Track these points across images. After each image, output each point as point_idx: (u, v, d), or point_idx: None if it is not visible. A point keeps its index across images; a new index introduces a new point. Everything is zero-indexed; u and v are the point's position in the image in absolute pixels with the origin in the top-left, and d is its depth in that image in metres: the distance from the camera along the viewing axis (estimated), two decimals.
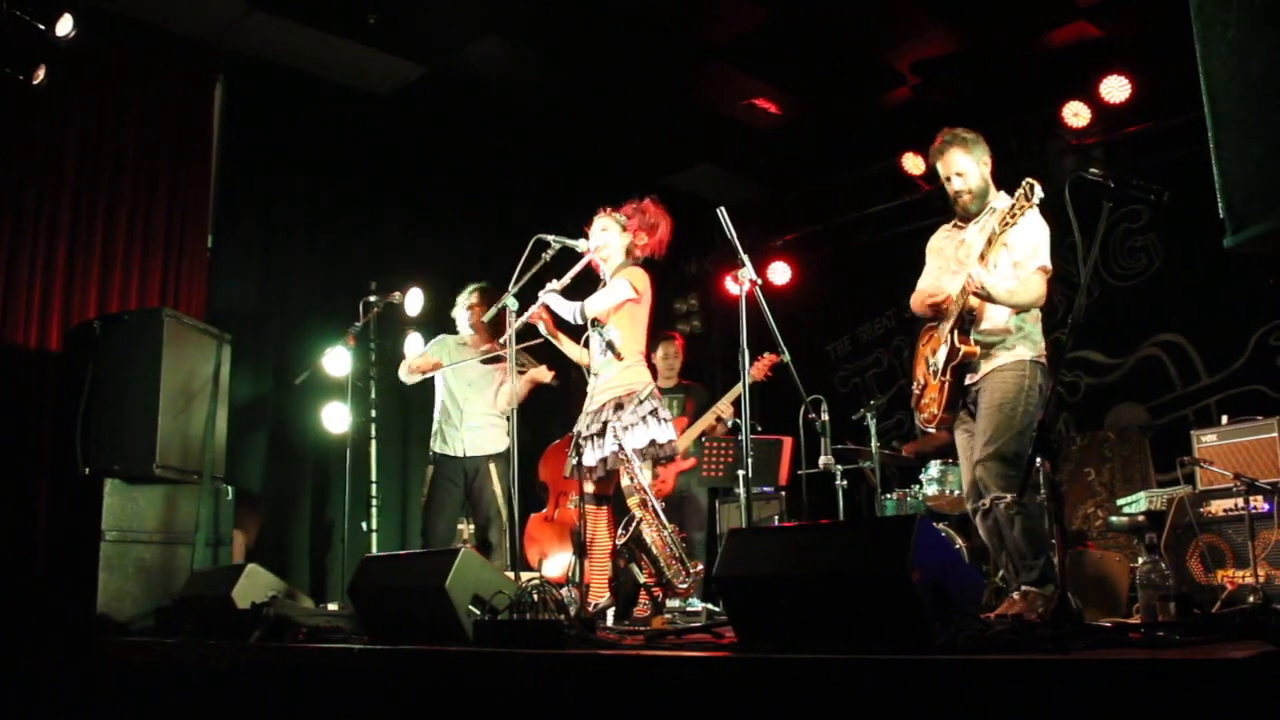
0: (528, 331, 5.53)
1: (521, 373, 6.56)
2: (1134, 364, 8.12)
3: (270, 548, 7.36)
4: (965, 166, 4.71)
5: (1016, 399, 4.43)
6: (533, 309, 5.35)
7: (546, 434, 7.68)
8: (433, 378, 6.65)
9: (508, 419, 6.52)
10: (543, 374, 6.40)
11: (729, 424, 7.23)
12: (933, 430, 4.82)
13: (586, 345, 5.49)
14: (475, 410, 6.53)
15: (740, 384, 6.88)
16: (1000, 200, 4.66)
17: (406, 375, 6.62)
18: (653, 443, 5.14)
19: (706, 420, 7.14)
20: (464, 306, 6.65)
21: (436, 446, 6.55)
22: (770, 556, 3.21)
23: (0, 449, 6.41)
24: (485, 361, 6.55)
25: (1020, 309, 4.53)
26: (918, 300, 4.88)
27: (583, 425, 5.30)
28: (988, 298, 4.44)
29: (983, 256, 4.51)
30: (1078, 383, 8.29)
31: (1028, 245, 4.55)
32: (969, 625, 2.90)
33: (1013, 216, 4.37)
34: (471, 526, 6.83)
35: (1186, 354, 7.87)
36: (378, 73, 8.03)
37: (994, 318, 4.58)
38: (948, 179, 4.77)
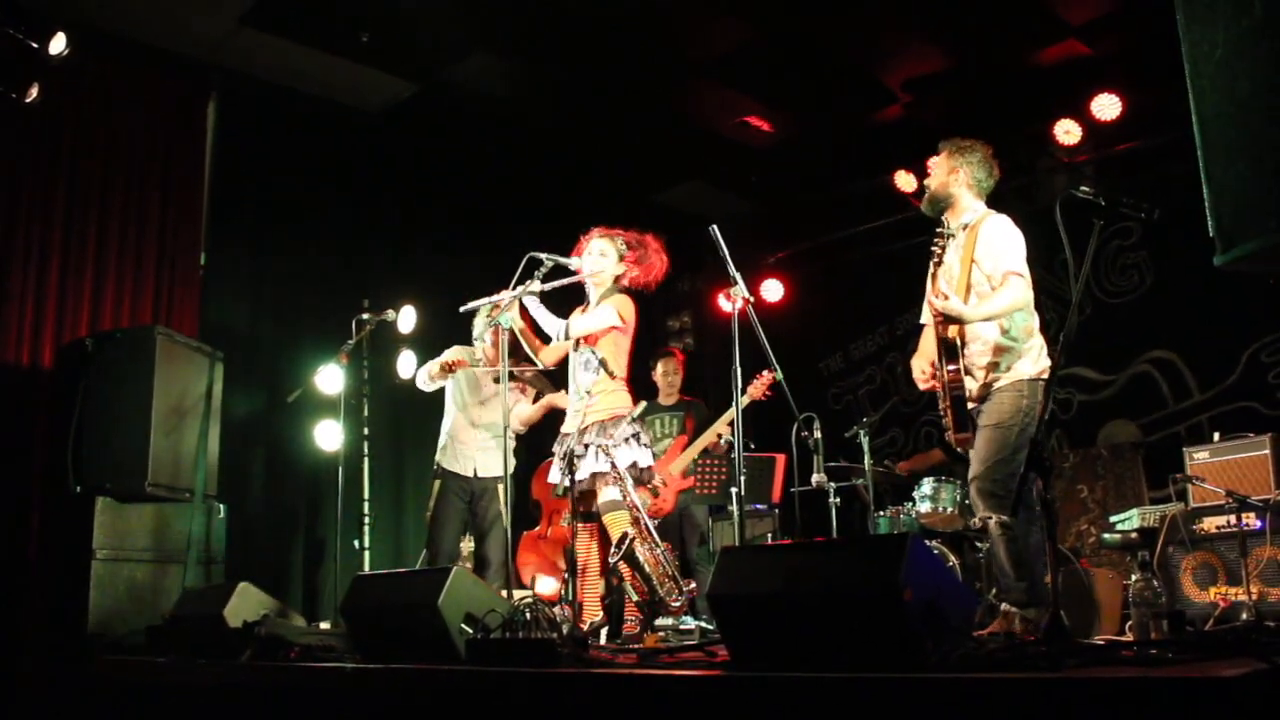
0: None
1: (538, 395, 6.57)
2: (1126, 381, 8.14)
3: (262, 566, 7.34)
4: (935, 166, 4.74)
5: (1014, 419, 4.35)
6: (507, 296, 5.26)
7: (543, 453, 7.68)
8: (443, 391, 6.59)
9: (516, 436, 6.53)
10: (560, 399, 6.38)
11: (727, 442, 7.22)
12: (960, 451, 4.75)
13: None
14: (488, 431, 6.49)
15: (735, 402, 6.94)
16: (969, 215, 4.63)
17: (426, 383, 6.46)
18: (634, 465, 5.17)
19: (708, 438, 7.13)
20: (485, 321, 6.51)
21: (445, 463, 6.42)
22: (763, 575, 3.21)
23: None
24: (498, 380, 6.45)
25: (999, 315, 4.43)
26: (919, 384, 4.80)
27: (569, 444, 5.29)
28: (958, 320, 4.40)
29: (933, 278, 4.52)
30: (1070, 400, 8.30)
31: (993, 254, 4.48)
32: (961, 643, 2.91)
33: (938, 247, 4.47)
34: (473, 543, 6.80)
35: (1178, 371, 7.88)
36: (369, 90, 8.04)
37: (981, 339, 4.50)
38: None
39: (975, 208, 4.67)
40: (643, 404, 5.43)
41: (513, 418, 6.58)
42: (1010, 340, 4.47)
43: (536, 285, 5.30)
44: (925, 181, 4.79)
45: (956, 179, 4.68)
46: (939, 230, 4.59)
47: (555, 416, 6.76)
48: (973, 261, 4.50)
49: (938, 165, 4.74)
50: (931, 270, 4.61)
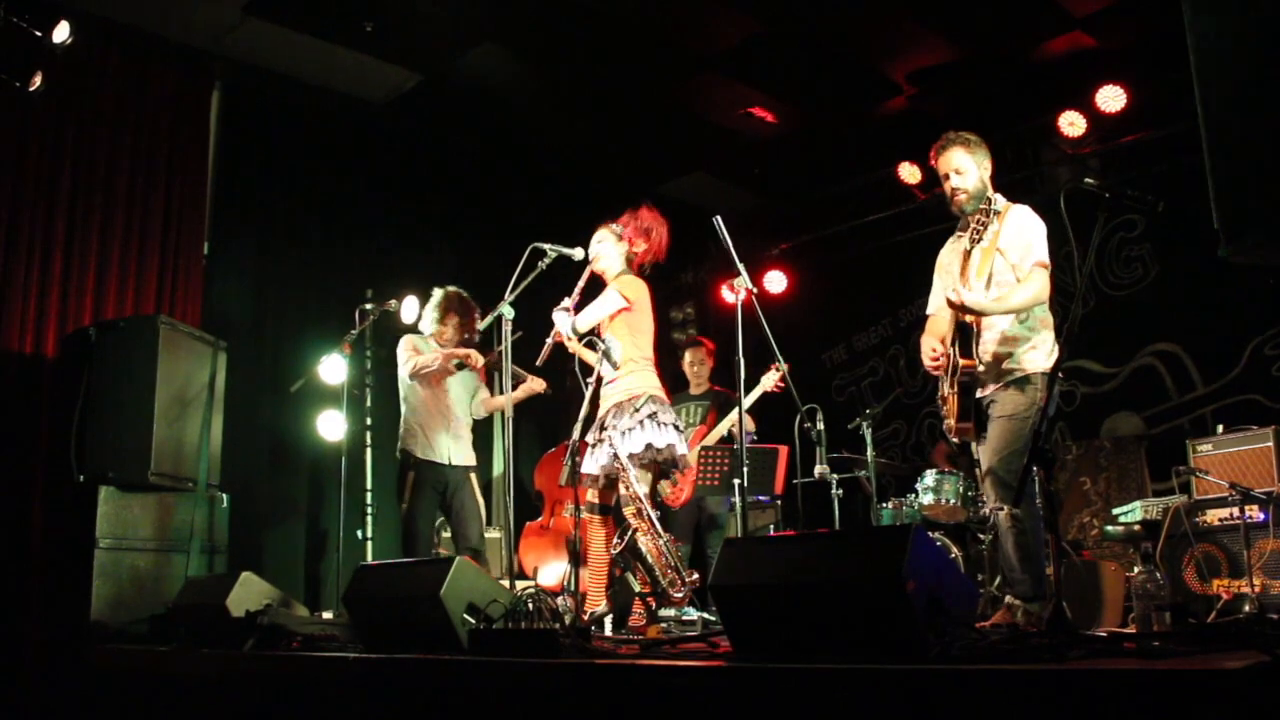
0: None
1: (516, 383, 6.53)
2: (1130, 373, 8.12)
3: (265, 556, 7.35)
4: (964, 164, 4.64)
5: (1029, 411, 4.34)
6: (556, 331, 5.34)
7: (540, 442, 7.69)
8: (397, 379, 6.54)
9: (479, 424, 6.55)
10: (537, 384, 6.39)
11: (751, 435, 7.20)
12: (956, 441, 4.73)
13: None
14: (462, 421, 6.49)
15: (749, 393, 6.91)
16: (998, 205, 4.60)
17: (415, 376, 6.39)
18: (649, 447, 5.08)
19: (720, 431, 7.09)
20: (436, 310, 6.54)
21: (419, 452, 6.32)
22: (766, 566, 3.21)
23: None
24: (460, 368, 6.45)
25: (1023, 309, 4.44)
26: (925, 361, 4.76)
27: (583, 433, 5.28)
28: (975, 313, 4.39)
29: (963, 271, 4.50)
30: (1074, 392, 8.29)
31: (1021, 244, 4.49)
32: (963, 635, 2.90)
33: (982, 226, 4.41)
34: (447, 534, 6.79)
35: (1182, 363, 7.87)
36: (374, 80, 8.03)
37: (997, 328, 4.49)
38: (946, 176, 4.70)
39: (998, 197, 4.64)
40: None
41: (478, 405, 6.60)
42: (1028, 331, 4.48)
43: (568, 301, 5.32)
44: (957, 183, 4.66)
45: (986, 171, 4.66)
46: (984, 208, 4.48)
47: (553, 409, 6.77)
48: (997, 250, 4.50)
49: (963, 162, 4.65)
50: (968, 247, 4.51)
